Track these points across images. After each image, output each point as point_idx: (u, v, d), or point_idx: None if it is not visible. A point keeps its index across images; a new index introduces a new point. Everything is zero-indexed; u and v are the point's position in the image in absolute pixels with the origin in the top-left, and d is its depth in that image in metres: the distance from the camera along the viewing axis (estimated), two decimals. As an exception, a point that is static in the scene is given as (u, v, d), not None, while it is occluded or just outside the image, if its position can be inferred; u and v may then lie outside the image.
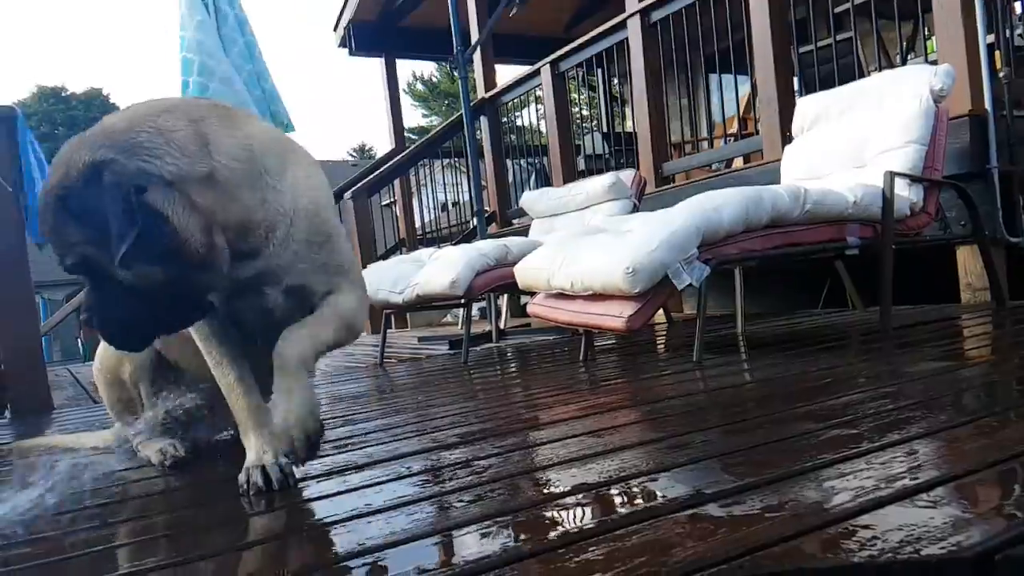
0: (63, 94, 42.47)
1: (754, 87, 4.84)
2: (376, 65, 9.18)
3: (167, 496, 1.57)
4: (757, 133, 4.65)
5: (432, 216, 8.87)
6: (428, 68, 36.85)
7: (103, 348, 1.89)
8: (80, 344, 17.38)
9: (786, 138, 3.92)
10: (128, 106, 1.35)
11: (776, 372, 2.27)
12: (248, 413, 1.52)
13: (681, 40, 4.96)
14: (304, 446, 1.37)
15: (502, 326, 4.89)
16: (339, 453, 1.75)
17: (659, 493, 1.15)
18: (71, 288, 17.50)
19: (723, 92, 5.51)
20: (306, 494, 1.42)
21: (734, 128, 5.64)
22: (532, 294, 3.27)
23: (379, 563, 0.98)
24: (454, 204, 9.09)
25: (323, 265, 1.48)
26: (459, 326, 5.71)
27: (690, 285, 2.53)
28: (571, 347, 3.67)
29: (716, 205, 2.58)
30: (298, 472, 1.51)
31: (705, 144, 6.32)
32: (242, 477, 1.45)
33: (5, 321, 3.37)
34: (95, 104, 41.66)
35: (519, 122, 7.92)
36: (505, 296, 5.29)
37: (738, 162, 5.37)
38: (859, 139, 3.13)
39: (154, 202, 1.21)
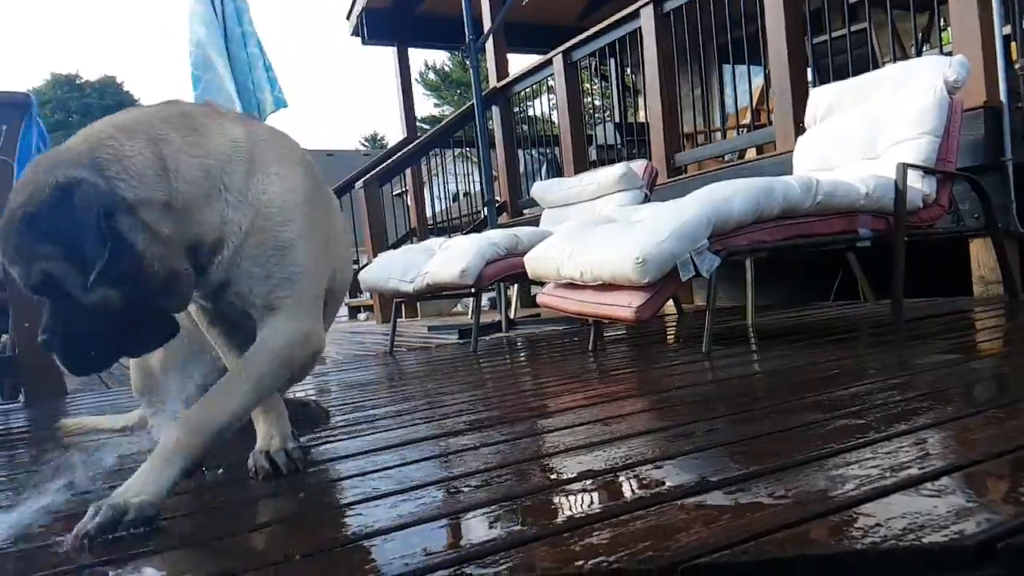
0: (77, 81, 42.74)
1: (767, 78, 4.82)
2: (389, 54, 9.19)
3: (179, 479, 1.58)
4: (770, 124, 4.64)
5: (443, 206, 8.89)
6: (440, 57, 36.90)
7: None
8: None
9: (799, 129, 3.90)
10: (91, 124, 1.32)
11: (785, 363, 2.27)
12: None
13: (695, 30, 4.94)
14: (111, 522, 1.14)
15: (512, 316, 4.91)
16: (348, 439, 1.77)
17: (664, 480, 1.15)
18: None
19: (736, 82, 5.48)
20: (315, 479, 1.44)
21: (747, 119, 5.62)
22: (542, 284, 3.28)
23: (387, 545, 1.00)
24: (465, 194, 9.11)
25: (266, 277, 1.39)
26: (469, 315, 5.72)
27: (700, 276, 2.53)
28: (580, 337, 3.68)
29: (727, 196, 2.57)
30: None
31: (718, 135, 6.29)
32: (250, 462, 1.48)
33: (18, 307, 3.40)
34: (109, 92, 41.93)
35: (531, 112, 7.90)
36: (515, 286, 5.30)
37: (751, 153, 5.35)
38: (872, 130, 3.11)
39: (121, 226, 1.20)
